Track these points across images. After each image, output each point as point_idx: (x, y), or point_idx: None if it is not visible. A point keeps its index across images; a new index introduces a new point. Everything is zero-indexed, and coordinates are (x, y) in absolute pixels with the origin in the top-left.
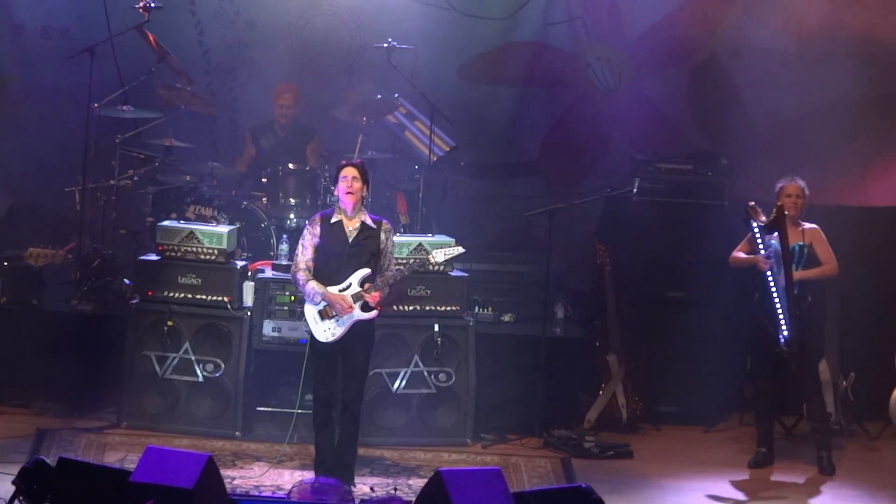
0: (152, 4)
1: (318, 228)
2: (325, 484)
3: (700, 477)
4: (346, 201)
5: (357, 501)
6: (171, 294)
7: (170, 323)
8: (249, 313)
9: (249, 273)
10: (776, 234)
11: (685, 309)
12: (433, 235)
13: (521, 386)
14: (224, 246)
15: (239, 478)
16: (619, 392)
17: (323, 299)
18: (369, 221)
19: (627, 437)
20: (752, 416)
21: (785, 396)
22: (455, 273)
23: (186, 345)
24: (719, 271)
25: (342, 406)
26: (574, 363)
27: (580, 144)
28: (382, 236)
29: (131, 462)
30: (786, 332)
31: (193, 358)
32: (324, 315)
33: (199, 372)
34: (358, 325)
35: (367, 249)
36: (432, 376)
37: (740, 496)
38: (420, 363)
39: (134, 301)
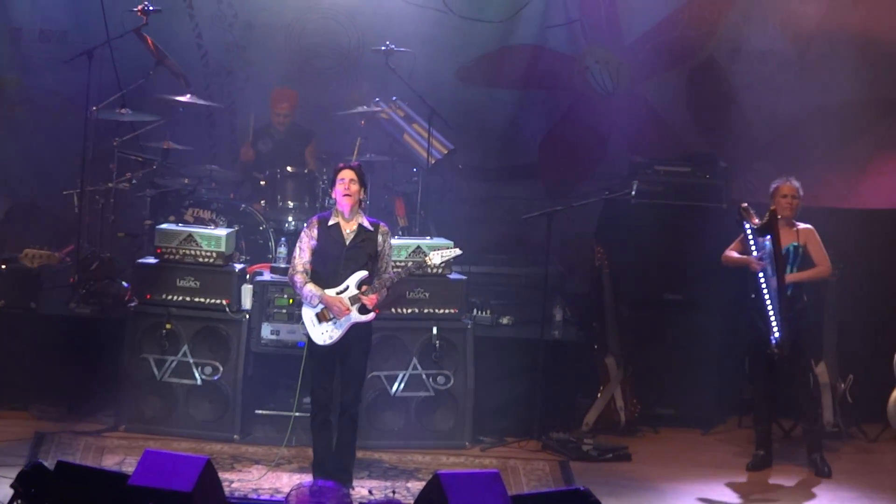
0: (150, 8)
1: (316, 231)
2: (324, 487)
3: (698, 479)
4: (344, 203)
5: None
6: (170, 297)
7: (168, 326)
8: (248, 316)
9: (248, 276)
10: (769, 236)
11: (683, 311)
12: (431, 238)
13: (520, 389)
14: (222, 249)
15: (237, 481)
16: (617, 395)
17: (320, 302)
18: (367, 224)
19: (626, 440)
20: (750, 419)
21: (782, 399)
22: (453, 276)
23: (185, 348)
24: (718, 274)
25: (340, 409)
26: (572, 366)
27: (578, 147)
28: (380, 239)
29: (130, 465)
30: (777, 334)
31: (192, 361)
32: (321, 318)
33: (197, 375)
34: (356, 327)
35: (365, 252)
36: (431, 379)
37: (738, 499)
38: (418, 366)
39: (132, 304)
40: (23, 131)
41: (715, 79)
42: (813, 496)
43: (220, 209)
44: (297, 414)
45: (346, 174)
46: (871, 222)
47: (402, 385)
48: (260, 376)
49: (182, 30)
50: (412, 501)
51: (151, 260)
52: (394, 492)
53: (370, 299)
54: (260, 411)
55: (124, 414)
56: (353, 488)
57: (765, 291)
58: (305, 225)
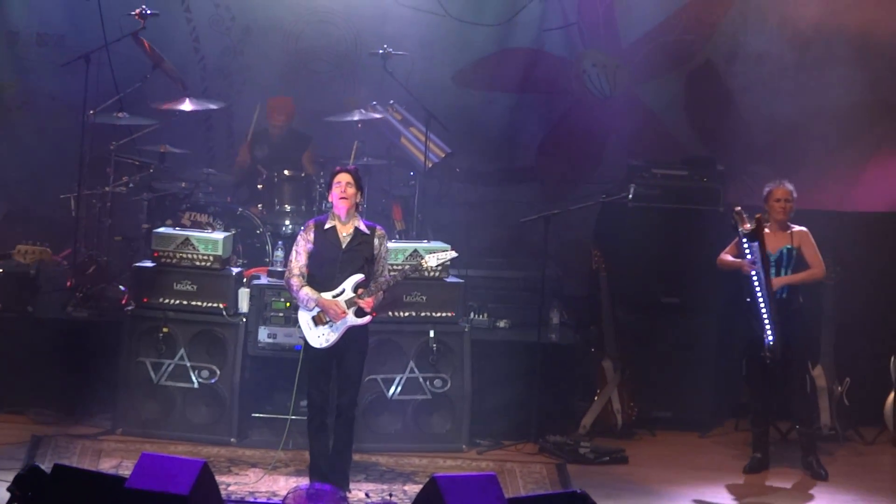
0: (148, 11)
1: (312, 234)
2: (320, 490)
3: (695, 482)
4: (340, 206)
5: None
6: (167, 300)
7: (165, 329)
8: (245, 320)
9: (245, 279)
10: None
11: (680, 314)
12: (429, 242)
13: (517, 392)
14: (219, 252)
15: (234, 484)
16: (614, 397)
17: (317, 305)
18: (363, 227)
19: (623, 443)
20: (747, 422)
21: (779, 402)
22: (450, 279)
23: (182, 351)
24: (715, 277)
25: (336, 412)
26: (569, 369)
27: (576, 150)
28: (376, 242)
29: (126, 468)
30: (770, 337)
31: (189, 364)
32: (318, 321)
33: (194, 378)
34: (352, 330)
35: (361, 255)
36: (428, 382)
37: (735, 501)
38: (415, 369)
39: (129, 308)
40: (20, 135)
41: (712, 82)
42: (809, 499)
43: (217, 213)
44: (293, 417)
45: (343, 177)
46: (869, 225)
47: (399, 388)
48: (257, 380)
49: (179, 33)
50: None
51: (148, 263)
52: (390, 495)
53: (366, 302)
54: (257, 414)
55: (121, 417)
56: (349, 491)
57: (759, 295)
58: (302, 228)
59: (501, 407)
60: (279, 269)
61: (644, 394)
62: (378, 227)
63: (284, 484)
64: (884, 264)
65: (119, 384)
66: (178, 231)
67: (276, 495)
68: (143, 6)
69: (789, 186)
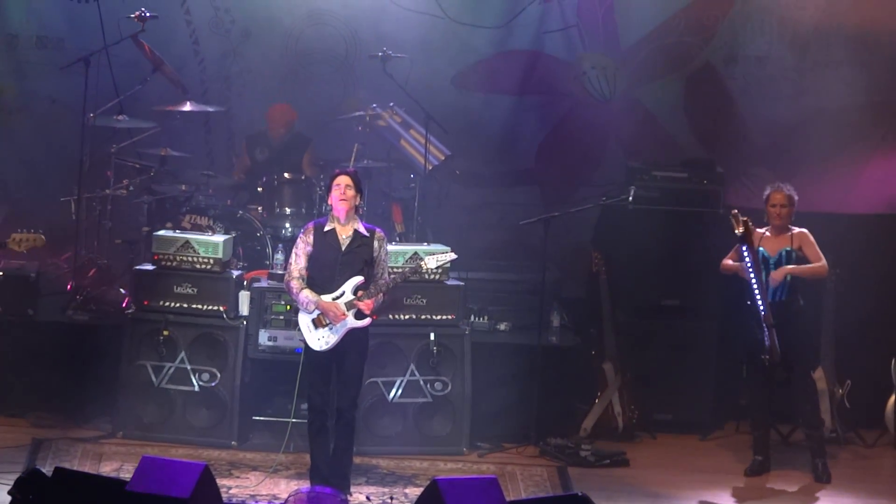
0: (147, 14)
1: (312, 237)
2: (321, 493)
3: (696, 485)
4: (339, 209)
5: None
6: (167, 303)
7: (165, 332)
8: (245, 322)
9: (245, 282)
10: (760, 241)
11: (681, 317)
12: (429, 244)
13: (517, 394)
14: (220, 255)
15: (235, 487)
16: (615, 400)
17: (316, 308)
18: (362, 230)
19: (623, 446)
20: (748, 424)
21: (780, 404)
22: (450, 282)
23: (182, 354)
24: (715, 279)
25: (337, 415)
26: (570, 371)
27: (575, 153)
28: (375, 244)
29: (127, 472)
30: (766, 342)
31: (189, 367)
32: (317, 323)
33: (194, 381)
34: (352, 333)
35: (361, 257)
36: (428, 385)
37: None
38: (416, 372)
39: (129, 311)
40: (20, 138)
41: (712, 84)
42: (811, 501)
43: (218, 216)
44: (294, 420)
45: (342, 180)
46: (869, 227)
47: (400, 391)
48: (257, 383)
49: (179, 36)
50: None
51: (149, 267)
52: (392, 497)
53: (366, 304)
54: (257, 417)
55: (122, 420)
56: (350, 494)
57: (758, 298)
58: (301, 231)
59: (502, 410)
60: (279, 272)
61: (645, 396)
62: (378, 230)
63: (285, 487)
64: (884, 266)
65: (119, 387)
66: (178, 234)
67: (276, 498)
68: (143, 9)
69: (788, 191)
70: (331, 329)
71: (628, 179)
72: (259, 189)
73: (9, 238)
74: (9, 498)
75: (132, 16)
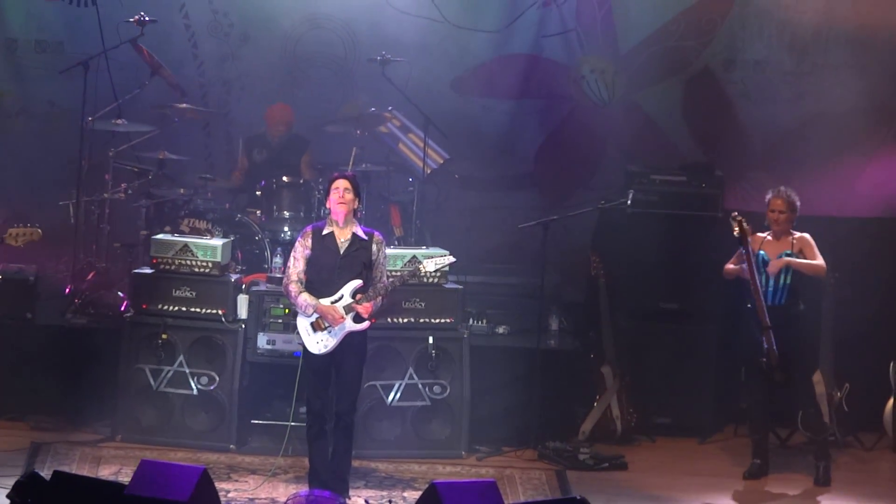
0: (146, 18)
1: (310, 240)
2: (320, 497)
3: (695, 488)
4: (338, 212)
5: None
6: (166, 307)
7: (164, 336)
8: (244, 326)
9: (244, 286)
10: (762, 244)
11: (679, 320)
12: (427, 248)
13: (516, 398)
14: (218, 259)
15: (234, 491)
16: (613, 404)
17: (315, 311)
18: (361, 233)
19: (622, 449)
20: (747, 428)
21: (779, 407)
22: (449, 285)
23: (181, 358)
24: (714, 282)
25: (335, 418)
26: (569, 375)
27: (574, 156)
28: (374, 248)
29: (126, 475)
30: (765, 343)
31: (188, 371)
32: (316, 327)
33: (193, 385)
34: (351, 336)
35: (359, 261)
36: (427, 388)
37: None
38: (414, 375)
39: (128, 314)
40: (18, 142)
41: (710, 88)
42: None
43: (216, 219)
44: (293, 423)
45: (341, 183)
46: (867, 230)
47: (398, 394)
48: (256, 386)
49: (178, 40)
50: None
51: (147, 270)
52: (390, 501)
53: (365, 308)
54: (256, 421)
55: (120, 424)
56: (349, 498)
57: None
58: (300, 234)
59: (500, 413)
60: (278, 276)
61: (643, 400)
62: (376, 233)
63: (284, 490)
64: (883, 269)
65: (118, 391)
66: (176, 238)
67: (275, 502)
68: (142, 13)
69: (788, 197)
70: (329, 332)
71: (627, 183)
72: (258, 193)
73: (5, 234)
74: (7, 501)
75: (131, 20)
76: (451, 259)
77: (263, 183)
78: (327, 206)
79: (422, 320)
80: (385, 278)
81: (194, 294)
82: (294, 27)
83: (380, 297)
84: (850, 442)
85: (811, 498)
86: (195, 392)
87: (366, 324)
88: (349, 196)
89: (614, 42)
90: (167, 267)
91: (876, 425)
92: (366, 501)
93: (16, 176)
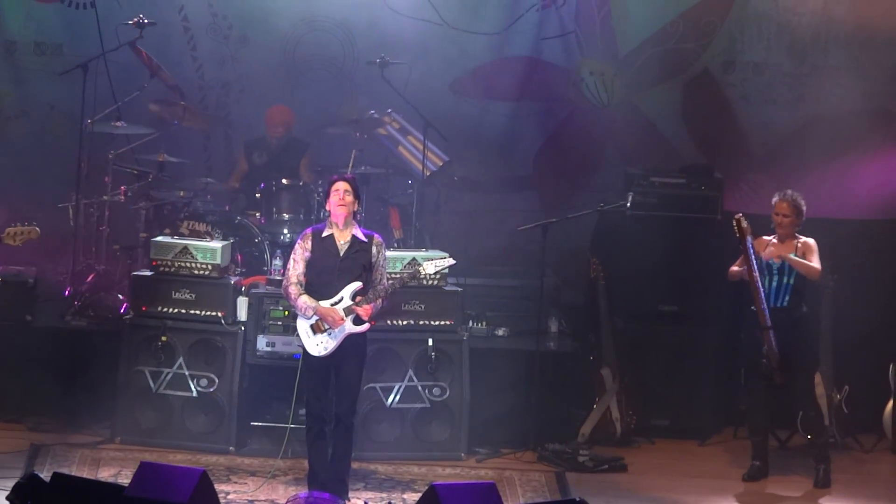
0: (145, 21)
1: (310, 243)
2: (319, 499)
3: (694, 490)
4: (338, 214)
5: None
6: (165, 309)
7: (164, 338)
8: (243, 328)
9: (243, 288)
10: (766, 247)
11: (679, 322)
12: (427, 250)
13: (516, 400)
14: (218, 261)
15: (233, 493)
16: (613, 406)
17: (315, 313)
18: (360, 235)
19: (621, 451)
20: (746, 429)
21: (778, 409)
22: (449, 287)
23: (180, 360)
24: (713, 285)
25: (335, 420)
26: (568, 377)
27: (573, 159)
28: (374, 250)
29: (125, 477)
30: (765, 345)
31: (187, 373)
32: (316, 329)
33: (192, 387)
34: (350, 338)
35: (359, 263)
36: (426, 390)
37: None
38: (414, 377)
39: (127, 316)
40: (18, 144)
41: (710, 90)
42: None
43: (216, 221)
44: (292, 425)
45: (341, 185)
46: (867, 233)
47: (398, 396)
48: (255, 388)
49: (177, 42)
50: None
51: (147, 272)
52: (389, 503)
53: (364, 310)
54: (255, 423)
55: (120, 426)
56: (348, 500)
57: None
58: (299, 237)
59: (500, 415)
60: (278, 278)
61: (643, 402)
62: (376, 235)
63: (283, 492)
64: (882, 271)
65: (118, 393)
66: (176, 240)
67: None
68: (141, 15)
69: (793, 200)
70: (329, 335)
71: (626, 185)
72: (257, 195)
73: (3, 233)
74: (7, 503)
75: (130, 22)
76: (451, 261)
77: (263, 185)
78: (327, 208)
79: (421, 322)
80: (385, 280)
81: (194, 296)
82: (293, 29)
83: (379, 300)
84: (849, 444)
85: (811, 500)
86: (195, 394)
87: (365, 326)
88: (349, 198)
89: (613, 44)
90: (167, 269)
91: (875, 427)
92: (365, 503)
93: (15, 178)
